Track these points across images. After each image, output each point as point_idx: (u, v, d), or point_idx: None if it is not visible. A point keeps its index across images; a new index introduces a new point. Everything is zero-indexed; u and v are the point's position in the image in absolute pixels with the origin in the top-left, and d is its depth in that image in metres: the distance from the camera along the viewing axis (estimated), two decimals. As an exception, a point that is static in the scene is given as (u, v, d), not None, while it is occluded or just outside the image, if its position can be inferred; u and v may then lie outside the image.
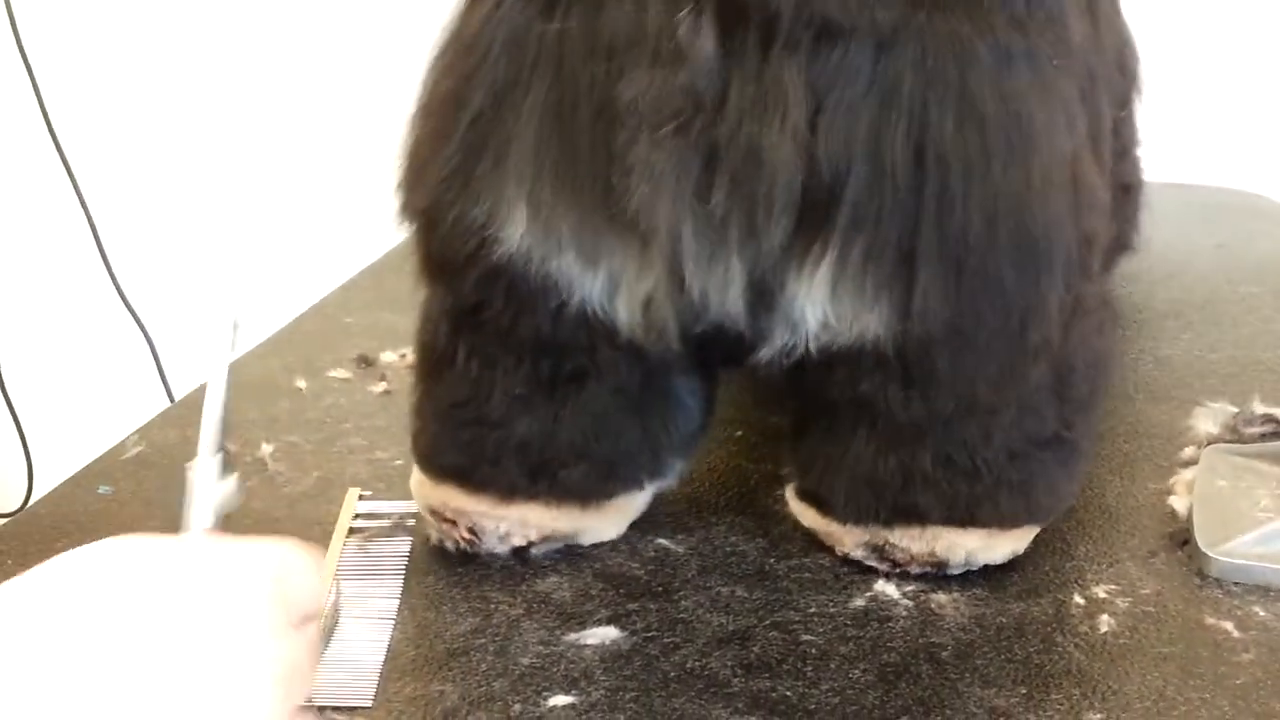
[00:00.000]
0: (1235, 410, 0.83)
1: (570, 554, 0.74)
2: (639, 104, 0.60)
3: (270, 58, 1.68)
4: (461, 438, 0.71)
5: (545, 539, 0.73)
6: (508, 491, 0.71)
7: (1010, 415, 0.68)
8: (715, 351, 0.70)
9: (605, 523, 0.74)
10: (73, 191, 1.73)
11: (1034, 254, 0.63)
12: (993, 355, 0.65)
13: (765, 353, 0.66)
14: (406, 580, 0.71)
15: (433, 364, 0.72)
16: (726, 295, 0.64)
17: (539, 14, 0.62)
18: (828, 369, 0.66)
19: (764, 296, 0.64)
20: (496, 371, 0.70)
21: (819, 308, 0.63)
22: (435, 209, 0.67)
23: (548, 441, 0.70)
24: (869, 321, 0.63)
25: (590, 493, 0.72)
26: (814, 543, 0.74)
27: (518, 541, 0.73)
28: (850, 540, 0.72)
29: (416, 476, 0.75)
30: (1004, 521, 0.70)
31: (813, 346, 0.65)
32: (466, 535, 0.72)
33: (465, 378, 0.70)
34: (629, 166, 0.60)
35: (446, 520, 0.73)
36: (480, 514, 0.72)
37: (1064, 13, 0.65)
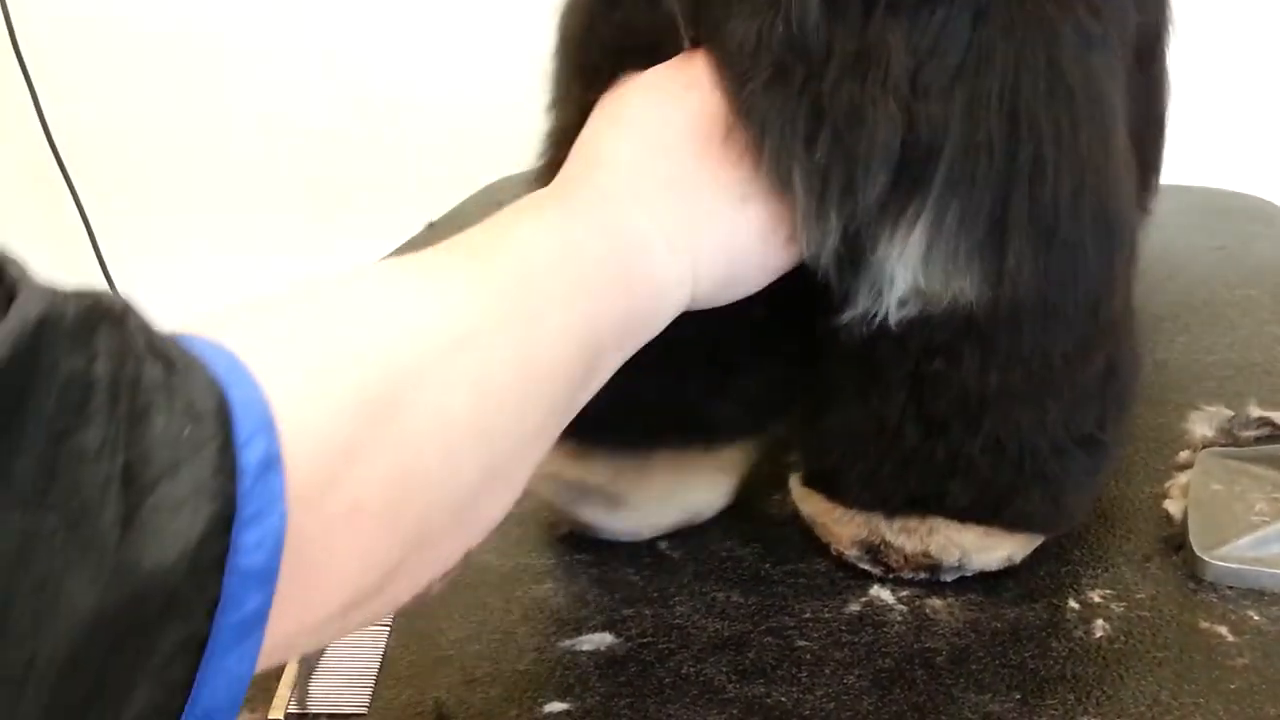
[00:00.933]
0: (1231, 414, 0.83)
1: (566, 560, 0.74)
2: (743, 50, 0.61)
3: (267, 64, 1.69)
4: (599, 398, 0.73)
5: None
6: (641, 439, 0.73)
7: (1068, 401, 0.68)
8: (795, 314, 0.69)
9: (716, 494, 0.77)
10: (71, 199, 1.73)
11: (1111, 229, 0.64)
12: (1074, 328, 0.66)
13: (848, 315, 0.66)
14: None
15: None
16: (823, 247, 0.64)
17: None
18: (901, 342, 0.66)
19: (855, 255, 0.64)
20: None
21: (910, 271, 0.63)
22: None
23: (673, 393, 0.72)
24: (960, 286, 0.63)
25: (709, 437, 0.75)
26: (810, 547, 0.74)
27: (648, 534, 0.76)
28: (847, 535, 0.72)
29: None
30: (1020, 520, 0.70)
31: (894, 315, 0.64)
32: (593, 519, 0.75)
33: None
34: (739, 108, 0.62)
35: (576, 488, 0.74)
36: (597, 522, 0.75)
37: (1128, 3, 0.67)
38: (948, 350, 0.66)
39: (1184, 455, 0.80)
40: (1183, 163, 1.32)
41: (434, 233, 1.27)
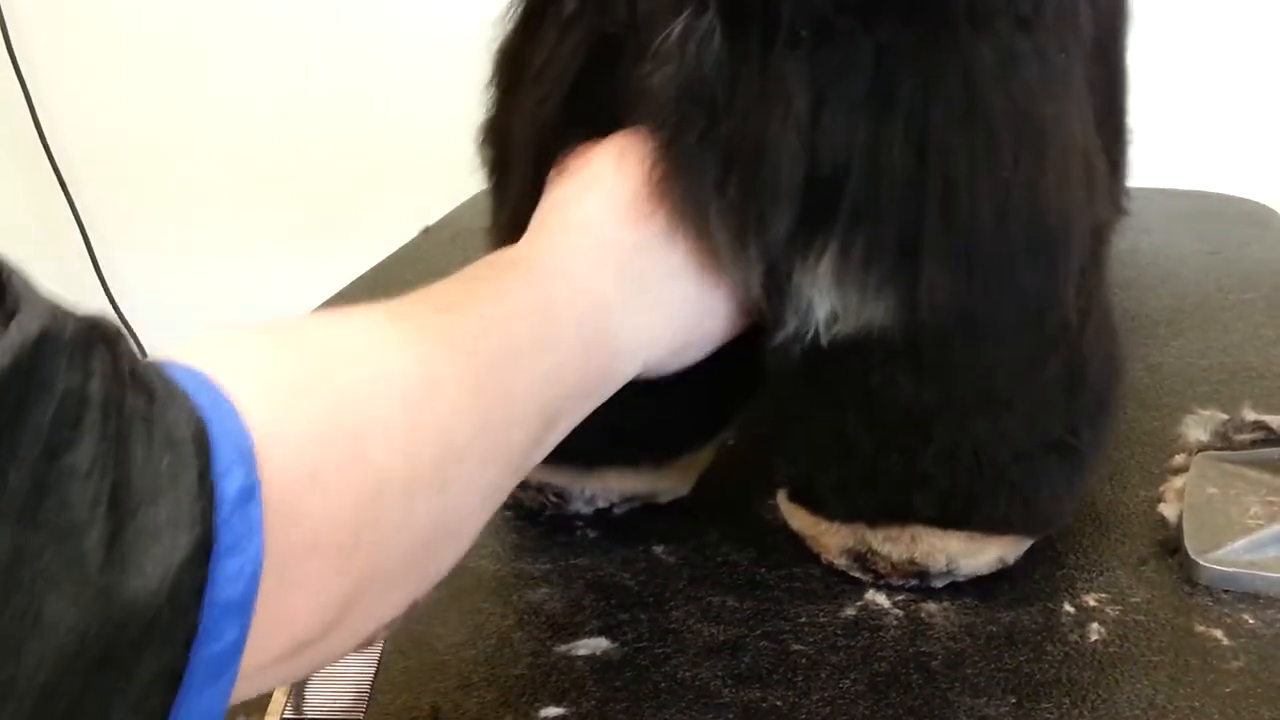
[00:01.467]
0: (1226, 417, 0.83)
1: (562, 565, 0.74)
2: (657, 102, 0.63)
3: (263, 60, 1.68)
4: None
5: (626, 500, 0.78)
6: (588, 463, 0.76)
7: (1023, 411, 0.68)
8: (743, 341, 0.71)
9: (677, 482, 0.79)
10: (63, 198, 1.73)
11: (1050, 242, 0.64)
12: (1012, 344, 0.66)
13: (779, 337, 0.66)
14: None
15: None
16: (749, 280, 0.65)
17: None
18: (838, 360, 0.66)
19: (777, 283, 0.65)
20: None
21: (824, 298, 0.64)
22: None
23: (623, 416, 0.71)
24: (875, 312, 0.64)
25: (661, 456, 0.77)
26: (805, 552, 0.74)
27: (601, 504, 0.78)
28: (835, 545, 0.72)
29: None
30: (995, 525, 0.70)
31: (823, 336, 0.65)
32: (554, 499, 0.78)
33: None
34: (654, 160, 0.64)
35: (530, 488, 0.77)
36: (564, 483, 0.77)
37: (1075, 6, 0.66)
38: (881, 368, 0.66)
39: (1179, 459, 0.80)
40: (1175, 167, 1.33)
41: (429, 238, 1.27)
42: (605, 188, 0.65)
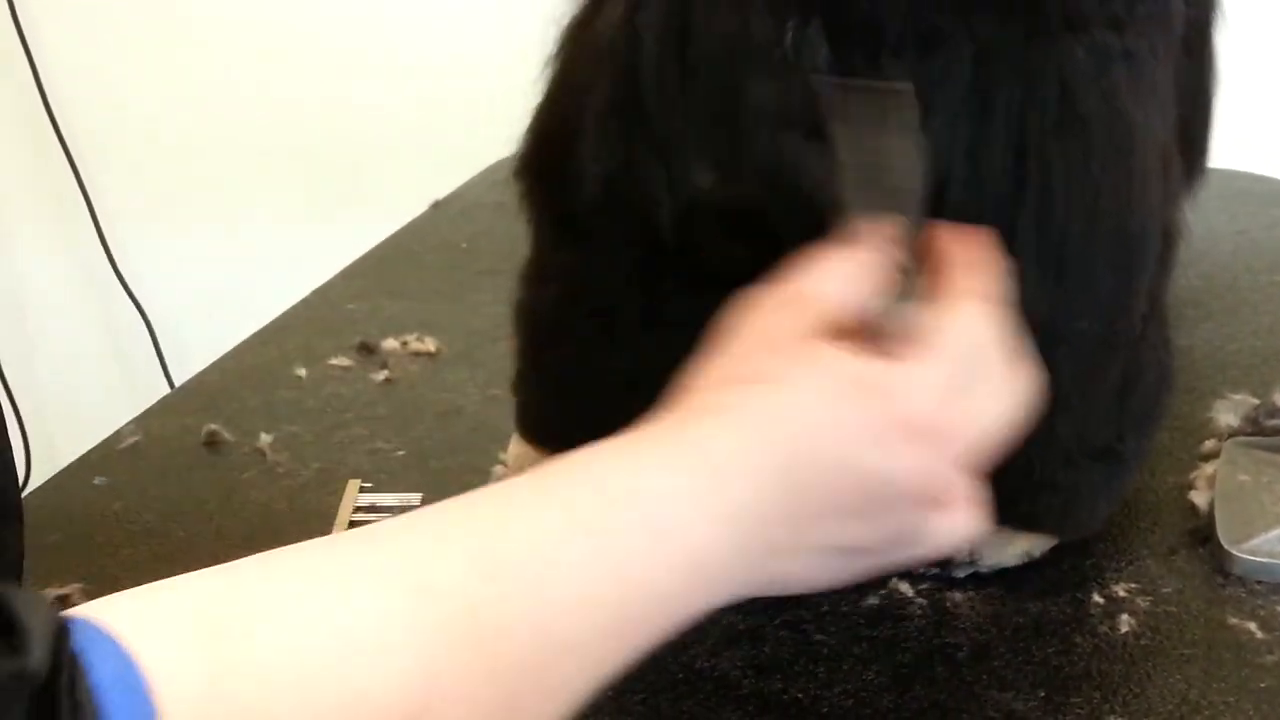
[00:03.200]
0: (1257, 402, 0.81)
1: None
2: (767, 110, 0.61)
3: (270, 44, 1.67)
4: (568, 413, 0.72)
5: None
6: None
7: (1079, 415, 0.66)
8: None
9: None
10: (73, 178, 1.72)
11: (1129, 250, 0.63)
12: (1083, 349, 0.65)
13: None
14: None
15: (542, 338, 0.73)
16: None
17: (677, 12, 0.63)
18: None
19: None
20: (596, 354, 0.71)
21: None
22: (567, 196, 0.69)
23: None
24: None
25: None
26: (826, 538, 0.72)
27: None
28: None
29: (517, 447, 0.76)
30: (1029, 523, 0.69)
31: None
32: None
33: (570, 361, 0.72)
34: (781, 158, 0.61)
35: None
36: None
37: (1168, 7, 0.65)
38: None
39: (1209, 444, 0.79)
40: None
41: (438, 212, 1.25)
42: (814, 404, 0.49)
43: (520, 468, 0.76)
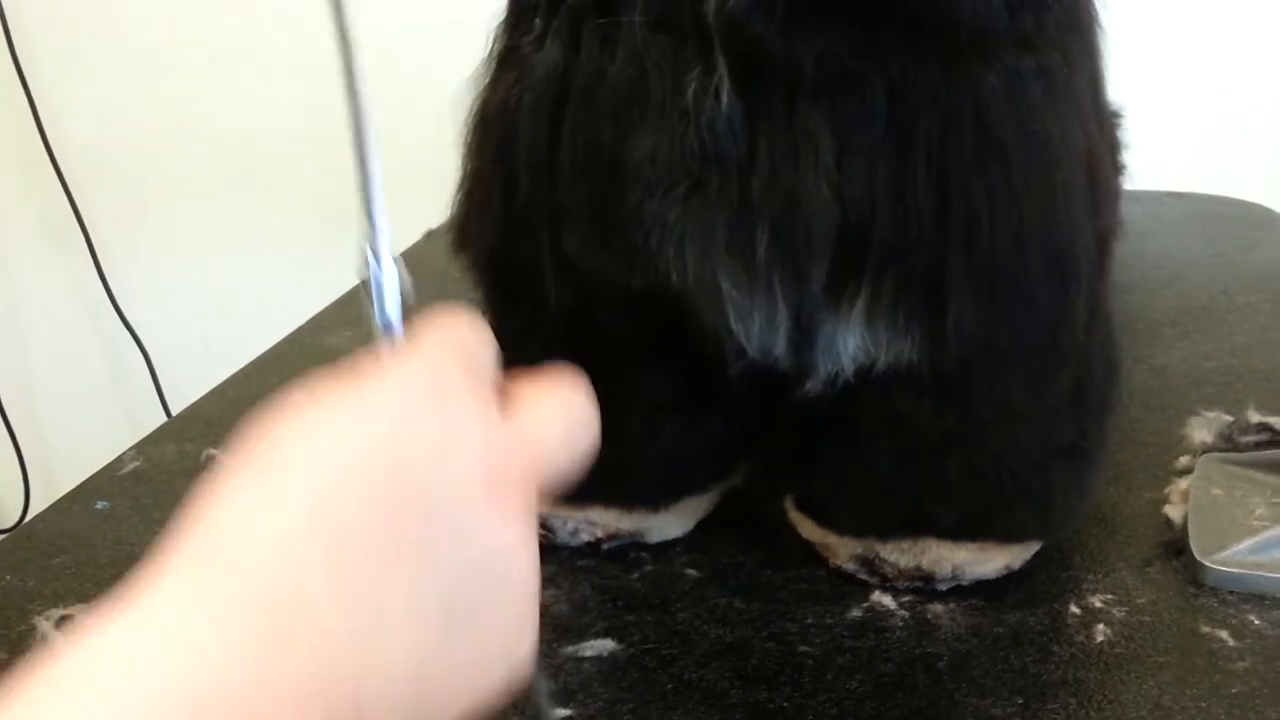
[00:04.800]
0: (1231, 419, 0.83)
1: (568, 567, 0.74)
2: (647, 166, 0.61)
3: (266, 62, 1.68)
4: None
5: (612, 536, 0.75)
6: (576, 497, 0.74)
7: (1036, 422, 0.68)
8: (756, 385, 0.70)
9: (672, 523, 0.76)
10: (70, 208, 1.73)
11: (1061, 264, 0.64)
12: (1028, 365, 0.66)
13: (812, 386, 0.67)
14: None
15: None
16: (774, 340, 0.65)
17: (557, 78, 0.64)
18: (859, 390, 0.66)
19: (806, 335, 0.65)
20: None
21: (855, 340, 0.64)
22: (489, 270, 0.72)
23: (611, 454, 0.71)
24: (903, 347, 0.64)
25: (656, 499, 0.75)
26: (811, 554, 0.74)
27: (586, 538, 0.75)
28: (844, 552, 0.72)
29: None
30: (1012, 534, 0.70)
31: (849, 370, 0.65)
32: (540, 531, 0.73)
33: None
34: (649, 227, 0.61)
35: None
36: (550, 514, 0.75)
37: (1076, 15, 0.66)
38: (905, 396, 0.67)
39: (1184, 460, 0.80)
40: (1181, 169, 1.33)
41: (431, 241, 1.26)
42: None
43: None
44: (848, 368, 0.65)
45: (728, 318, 0.64)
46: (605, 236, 0.64)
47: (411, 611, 0.37)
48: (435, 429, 0.39)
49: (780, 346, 0.65)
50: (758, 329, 0.64)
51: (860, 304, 0.63)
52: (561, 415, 0.45)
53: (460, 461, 0.39)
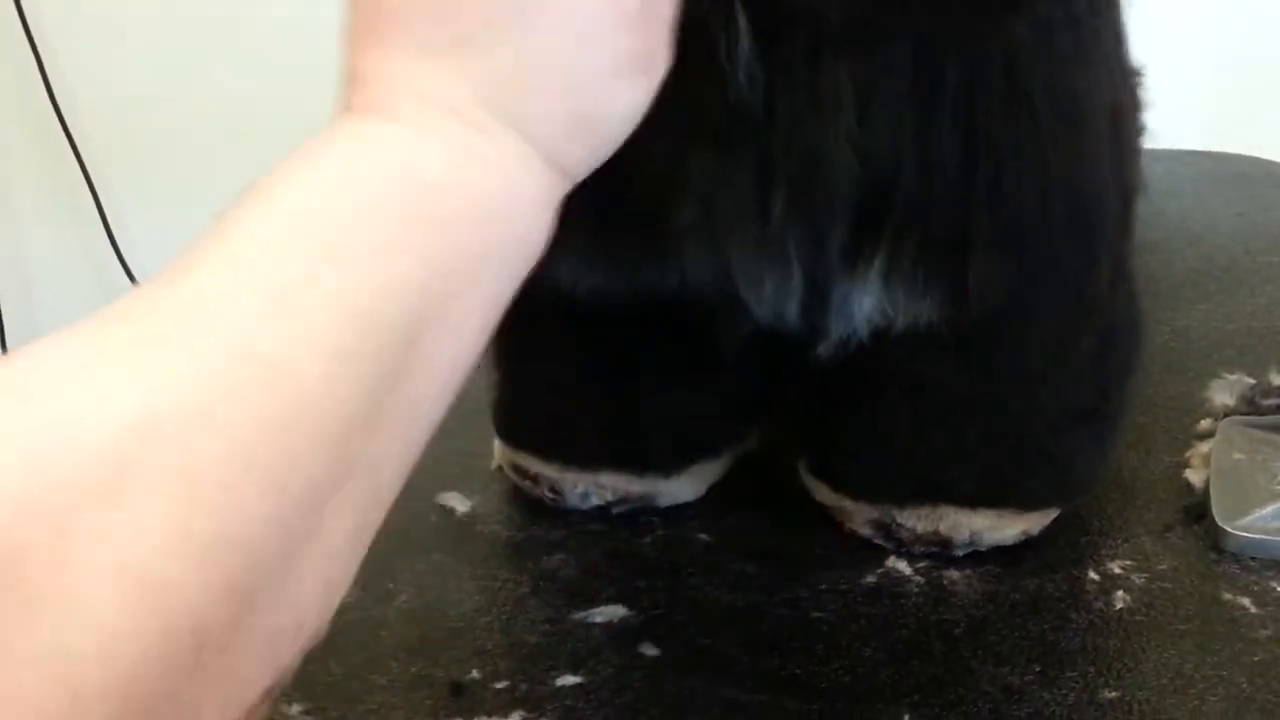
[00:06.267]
0: (1253, 382, 0.82)
1: (578, 531, 0.73)
2: (654, 121, 0.59)
3: (277, 29, 1.67)
4: (540, 416, 0.74)
5: (623, 499, 0.74)
6: (586, 462, 0.73)
7: (1058, 384, 0.67)
8: (766, 349, 0.69)
9: (683, 487, 0.75)
10: (79, 170, 1.73)
11: (1085, 219, 0.63)
12: (1051, 323, 0.65)
13: (824, 349, 0.65)
14: (410, 559, 0.71)
15: (505, 347, 0.73)
16: (785, 302, 0.64)
17: None
18: (878, 353, 0.65)
19: (819, 297, 0.64)
20: (564, 359, 0.72)
21: (873, 301, 0.63)
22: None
23: (624, 420, 0.72)
24: (922, 307, 0.63)
25: (667, 463, 0.74)
26: (824, 519, 0.73)
27: (597, 501, 0.74)
28: (860, 517, 0.71)
29: (498, 444, 0.77)
30: (1033, 500, 0.69)
31: (864, 333, 0.64)
32: (550, 494, 0.74)
33: (538, 362, 0.73)
34: (668, 188, 0.60)
35: (529, 478, 0.74)
36: (560, 478, 0.74)
37: None
38: (924, 358, 0.66)
39: (1205, 424, 0.79)
40: (1202, 128, 1.31)
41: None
42: None
43: (503, 455, 0.77)
44: (862, 329, 0.64)
45: (735, 283, 0.62)
46: (604, 203, 0.63)
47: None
48: None
49: (793, 310, 0.64)
50: (770, 292, 0.63)
51: (878, 264, 0.62)
52: None
53: None
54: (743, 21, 0.57)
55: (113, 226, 1.75)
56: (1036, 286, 0.63)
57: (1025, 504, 0.69)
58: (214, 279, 0.38)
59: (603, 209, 0.61)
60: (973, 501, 0.68)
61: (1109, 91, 0.64)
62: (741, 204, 0.60)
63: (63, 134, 1.71)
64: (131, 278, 1.75)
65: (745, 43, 0.57)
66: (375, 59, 0.44)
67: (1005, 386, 0.67)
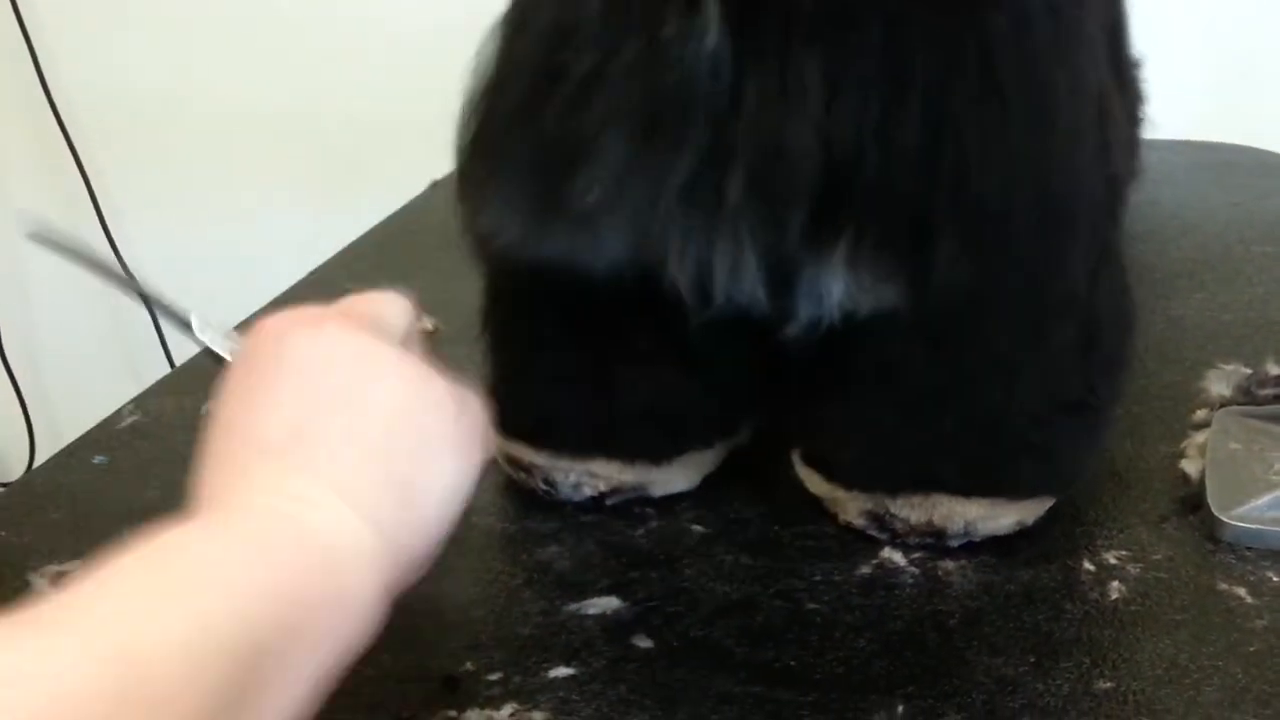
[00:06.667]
0: (1249, 372, 0.82)
1: (572, 523, 0.73)
2: (617, 110, 0.59)
3: (271, 13, 1.67)
4: (529, 403, 0.73)
5: (615, 490, 0.74)
6: (577, 450, 0.73)
7: (1034, 375, 0.67)
8: (739, 332, 0.68)
9: (676, 477, 0.75)
10: (73, 159, 1.72)
11: (1054, 211, 0.63)
12: (1016, 315, 0.65)
13: (792, 329, 0.65)
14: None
15: (497, 337, 0.74)
16: (741, 285, 0.63)
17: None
18: (851, 336, 0.65)
19: (784, 278, 0.63)
20: (552, 347, 0.72)
21: (837, 285, 0.63)
22: (467, 218, 0.70)
23: (612, 407, 0.72)
24: (887, 293, 0.63)
25: (659, 452, 0.73)
26: (819, 510, 0.72)
27: (589, 492, 0.74)
28: (853, 507, 0.71)
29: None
30: (1021, 490, 0.69)
31: (836, 316, 0.64)
32: (543, 485, 0.74)
33: (528, 351, 0.73)
34: (609, 177, 0.60)
35: (522, 469, 0.74)
36: (553, 467, 0.73)
37: None
38: (895, 345, 0.65)
39: (1201, 414, 0.79)
40: (1197, 118, 1.30)
41: (437, 192, 1.25)
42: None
43: (497, 446, 0.76)
44: (832, 313, 0.64)
45: (677, 268, 0.62)
46: (542, 185, 0.63)
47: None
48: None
49: (749, 293, 0.64)
50: (721, 276, 0.63)
51: (842, 248, 0.61)
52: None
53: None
54: (713, 11, 0.57)
55: (110, 225, 1.74)
56: (1001, 275, 0.63)
57: (1015, 493, 0.69)
58: (88, 596, 0.42)
59: (531, 179, 0.62)
60: (963, 490, 0.68)
61: (1093, 82, 0.64)
62: (670, 186, 0.60)
63: (60, 133, 1.70)
64: (123, 264, 1.74)
65: (714, 30, 0.57)
66: (226, 475, 0.51)
67: (978, 376, 0.66)
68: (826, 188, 0.60)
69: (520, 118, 0.64)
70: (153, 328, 1.76)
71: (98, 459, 0.81)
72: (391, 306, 0.57)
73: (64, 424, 1.77)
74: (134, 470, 0.80)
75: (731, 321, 0.66)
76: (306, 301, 1.03)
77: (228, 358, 0.61)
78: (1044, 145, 0.61)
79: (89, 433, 0.85)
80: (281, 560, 0.46)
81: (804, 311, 0.64)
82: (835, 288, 0.63)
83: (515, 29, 0.66)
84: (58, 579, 0.69)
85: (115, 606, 0.41)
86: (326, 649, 0.46)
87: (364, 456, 0.51)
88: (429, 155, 1.30)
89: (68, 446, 0.83)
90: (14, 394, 1.80)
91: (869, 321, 0.64)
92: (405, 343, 0.56)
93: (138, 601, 0.41)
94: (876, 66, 0.58)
